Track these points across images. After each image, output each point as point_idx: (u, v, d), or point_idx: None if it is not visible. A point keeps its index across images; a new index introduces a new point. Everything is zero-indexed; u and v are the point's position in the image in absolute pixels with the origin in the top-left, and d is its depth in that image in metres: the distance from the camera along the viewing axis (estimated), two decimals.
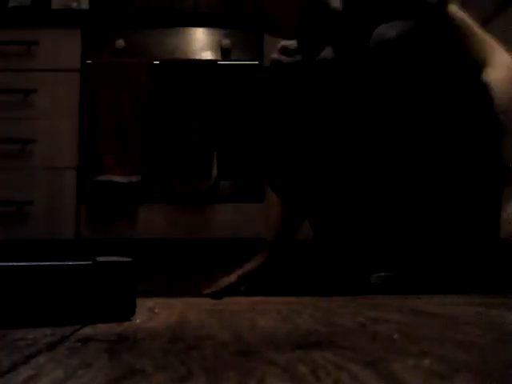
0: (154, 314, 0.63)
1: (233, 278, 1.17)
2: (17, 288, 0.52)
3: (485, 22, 1.28)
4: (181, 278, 1.70)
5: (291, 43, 1.21)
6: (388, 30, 1.02)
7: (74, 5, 2.29)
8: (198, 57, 2.13)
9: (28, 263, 0.53)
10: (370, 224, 1.09)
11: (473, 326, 0.49)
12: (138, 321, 0.56)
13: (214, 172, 2.03)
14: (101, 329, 0.50)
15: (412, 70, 1.02)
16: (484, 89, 1.00)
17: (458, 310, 0.65)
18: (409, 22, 1.02)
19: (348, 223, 1.12)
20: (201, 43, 2.15)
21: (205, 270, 1.99)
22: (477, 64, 1.04)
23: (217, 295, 0.95)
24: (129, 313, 0.56)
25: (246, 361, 0.34)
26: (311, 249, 1.18)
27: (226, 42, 2.12)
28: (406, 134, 1.03)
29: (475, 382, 0.26)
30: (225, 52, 2.13)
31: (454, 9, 1.06)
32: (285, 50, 1.21)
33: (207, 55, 2.13)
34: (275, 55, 1.22)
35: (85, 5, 2.32)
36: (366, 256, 1.08)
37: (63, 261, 0.55)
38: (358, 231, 1.10)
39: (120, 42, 2.10)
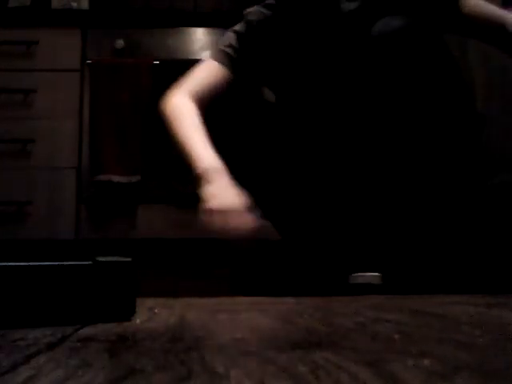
0: (153, 314, 0.63)
1: None
2: (17, 288, 0.52)
3: None
4: (181, 278, 1.70)
5: None
6: (391, 21, 1.02)
7: (74, 5, 2.29)
8: (198, 57, 2.13)
9: (28, 263, 0.53)
10: (348, 224, 1.07)
11: (473, 326, 0.49)
12: (138, 321, 0.56)
13: None
14: (101, 329, 0.50)
15: (410, 63, 1.02)
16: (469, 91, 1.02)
17: (458, 309, 0.65)
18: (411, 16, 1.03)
19: (320, 225, 1.09)
20: (201, 43, 2.14)
21: (205, 270, 1.99)
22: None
23: None
24: (129, 313, 0.56)
25: (245, 361, 0.34)
26: (278, 250, 1.16)
27: None
28: (400, 131, 1.03)
29: (475, 382, 0.26)
30: None
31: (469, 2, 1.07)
32: None
33: (207, 55, 2.13)
34: None
35: (85, 5, 2.32)
36: (343, 256, 1.05)
37: (63, 261, 0.55)
38: (331, 233, 1.08)
39: (120, 42, 2.10)
